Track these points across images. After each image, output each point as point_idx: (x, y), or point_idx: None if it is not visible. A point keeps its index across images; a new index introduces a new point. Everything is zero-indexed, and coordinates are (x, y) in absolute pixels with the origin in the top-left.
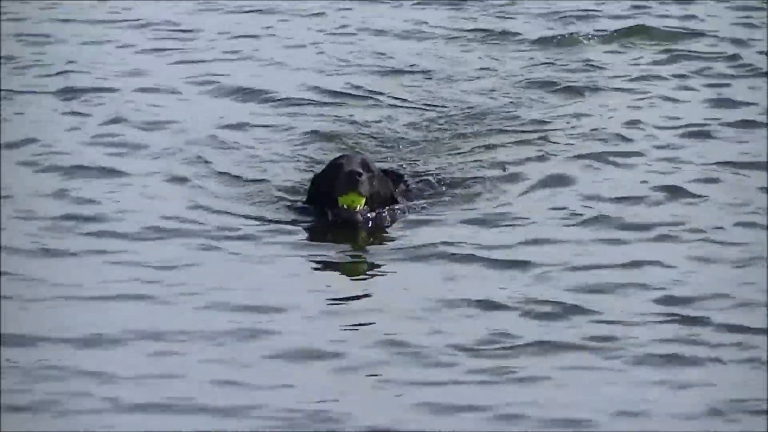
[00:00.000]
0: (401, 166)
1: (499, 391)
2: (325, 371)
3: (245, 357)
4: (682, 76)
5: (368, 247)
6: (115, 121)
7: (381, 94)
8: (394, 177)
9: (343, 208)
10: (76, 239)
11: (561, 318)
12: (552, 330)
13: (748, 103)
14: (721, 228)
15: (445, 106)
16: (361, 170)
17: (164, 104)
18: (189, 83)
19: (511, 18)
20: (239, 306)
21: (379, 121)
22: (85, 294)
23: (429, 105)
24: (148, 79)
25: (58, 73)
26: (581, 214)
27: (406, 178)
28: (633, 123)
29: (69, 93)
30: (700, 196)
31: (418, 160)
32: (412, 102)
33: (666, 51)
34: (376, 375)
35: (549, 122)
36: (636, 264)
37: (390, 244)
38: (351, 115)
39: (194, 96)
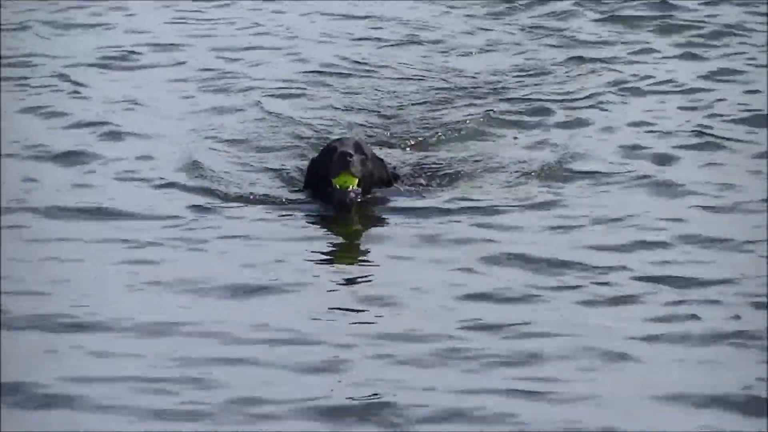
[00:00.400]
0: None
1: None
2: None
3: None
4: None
5: (362, 229)
6: (112, 108)
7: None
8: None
9: (336, 188)
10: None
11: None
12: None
13: None
14: None
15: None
16: (352, 152)
17: (163, 94)
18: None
19: None
20: (234, 286)
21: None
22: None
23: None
24: (152, 67)
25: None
26: (587, 196)
27: (390, 165)
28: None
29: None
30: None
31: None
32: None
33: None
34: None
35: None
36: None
37: (384, 226)
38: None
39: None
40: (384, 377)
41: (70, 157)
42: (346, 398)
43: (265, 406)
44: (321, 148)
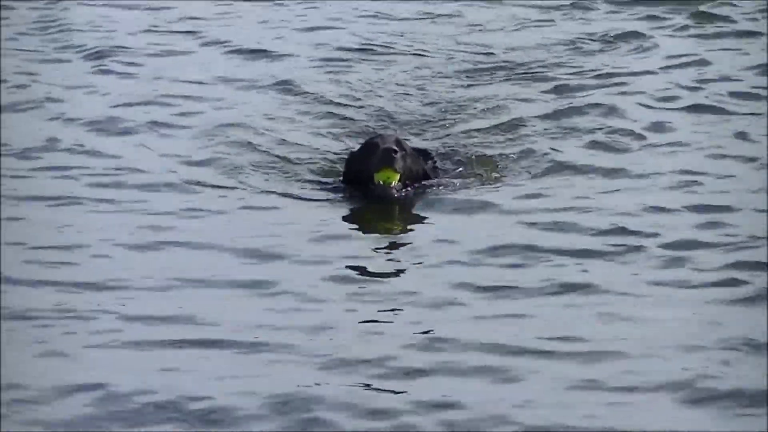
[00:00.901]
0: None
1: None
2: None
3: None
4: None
5: (402, 222)
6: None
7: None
8: (423, 155)
9: (379, 184)
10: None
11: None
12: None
13: None
14: None
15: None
16: (396, 147)
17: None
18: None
19: None
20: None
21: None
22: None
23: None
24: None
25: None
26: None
27: (433, 156)
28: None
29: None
30: None
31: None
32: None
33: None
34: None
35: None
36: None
37: (423, 220)
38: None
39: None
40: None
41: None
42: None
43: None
44: (360, 142)
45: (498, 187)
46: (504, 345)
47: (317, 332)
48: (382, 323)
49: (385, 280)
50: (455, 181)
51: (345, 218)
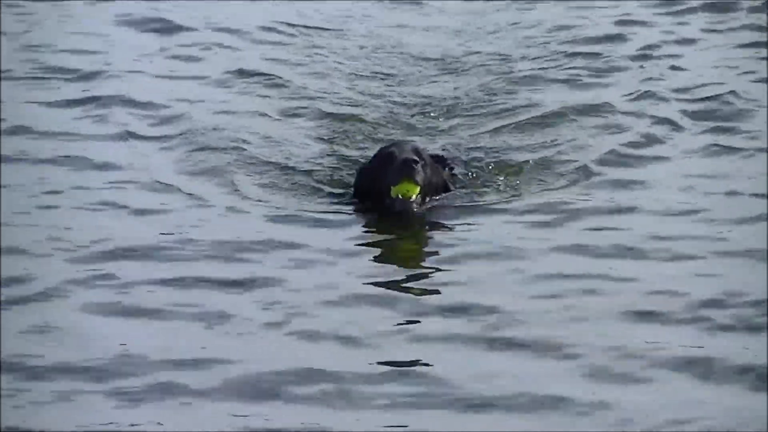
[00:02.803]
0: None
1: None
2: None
3: None
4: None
5: (426, 240)
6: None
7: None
8: (439, 161)
9: (398, 198)
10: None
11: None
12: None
13: None
14: None
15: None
16: (415, 157)
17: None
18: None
19: None
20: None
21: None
22: None
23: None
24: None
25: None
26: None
27: (449, 162)
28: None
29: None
30: None
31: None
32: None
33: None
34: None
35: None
36: None
37: (447, 236)
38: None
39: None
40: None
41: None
42: None
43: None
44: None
45: (518, 196)
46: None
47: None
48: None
49: (417, 317)
50: (476, 190)
51: (360, 238)
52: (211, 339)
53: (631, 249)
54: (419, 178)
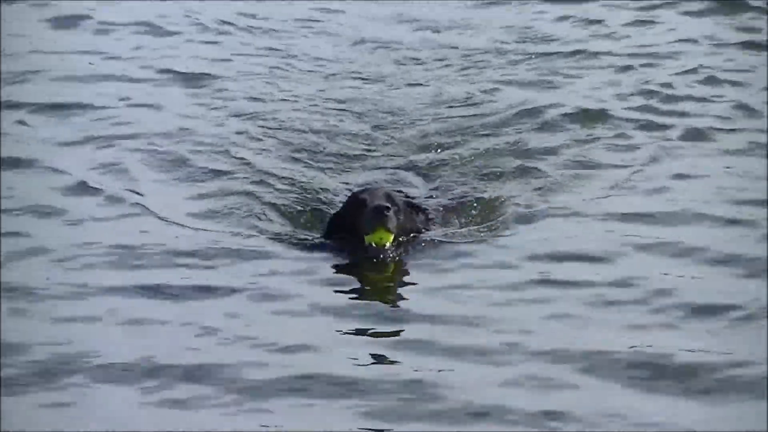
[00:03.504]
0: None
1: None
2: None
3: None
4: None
5: (397, 282)
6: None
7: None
8: (414, 208)
9: (371, 246)
10: None
11: None
12: None
13: None
14: None
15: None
16: (388, 204)
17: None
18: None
19: None
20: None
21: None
22: None
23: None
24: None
25: None
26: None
27: (425, 208)
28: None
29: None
30: None
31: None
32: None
33: None
34: None
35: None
36: None
37: (420, 279)
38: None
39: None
40: None
41: None
42: None
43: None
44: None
45: (497, 236)
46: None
47: None
48: None
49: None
50: (451, 232)
51: (333, 282)
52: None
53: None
54: (392, 225)
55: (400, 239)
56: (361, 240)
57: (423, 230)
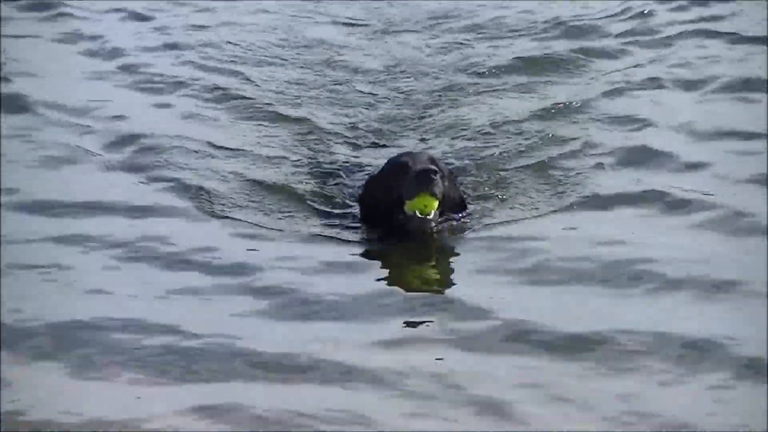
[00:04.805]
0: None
1: None
2: None
3: None
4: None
5: (446, 265)
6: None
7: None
8: (454, 176)
9: (415, 215)
10: None
11: None
12: None
13: None
14: None
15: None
16: (435, 167)
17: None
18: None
19: None
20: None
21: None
22: None
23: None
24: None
25: None
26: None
27: (458, 176)
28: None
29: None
30: None
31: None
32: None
33: None
34: None
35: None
36: None
37: (471, 260)
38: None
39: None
40: None
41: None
42: None
43: None
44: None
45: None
46: None
47: None
48: None
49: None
50: (493, 205)
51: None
52: None
53: None
54: (438, 191)
55: (445, 211)
56: (399, 209)
57: (466, 205)
